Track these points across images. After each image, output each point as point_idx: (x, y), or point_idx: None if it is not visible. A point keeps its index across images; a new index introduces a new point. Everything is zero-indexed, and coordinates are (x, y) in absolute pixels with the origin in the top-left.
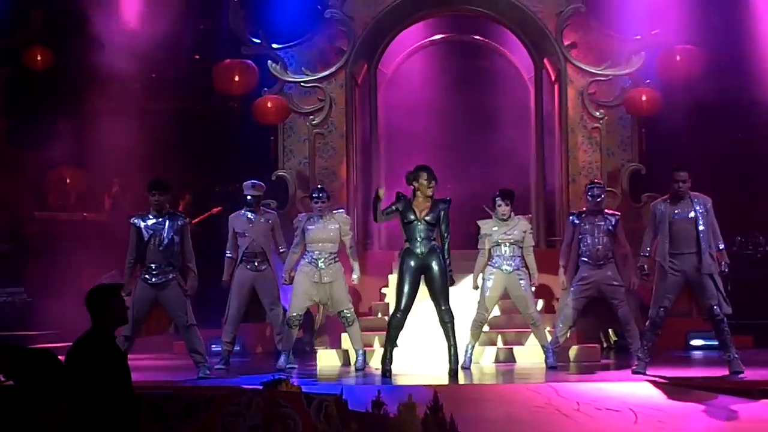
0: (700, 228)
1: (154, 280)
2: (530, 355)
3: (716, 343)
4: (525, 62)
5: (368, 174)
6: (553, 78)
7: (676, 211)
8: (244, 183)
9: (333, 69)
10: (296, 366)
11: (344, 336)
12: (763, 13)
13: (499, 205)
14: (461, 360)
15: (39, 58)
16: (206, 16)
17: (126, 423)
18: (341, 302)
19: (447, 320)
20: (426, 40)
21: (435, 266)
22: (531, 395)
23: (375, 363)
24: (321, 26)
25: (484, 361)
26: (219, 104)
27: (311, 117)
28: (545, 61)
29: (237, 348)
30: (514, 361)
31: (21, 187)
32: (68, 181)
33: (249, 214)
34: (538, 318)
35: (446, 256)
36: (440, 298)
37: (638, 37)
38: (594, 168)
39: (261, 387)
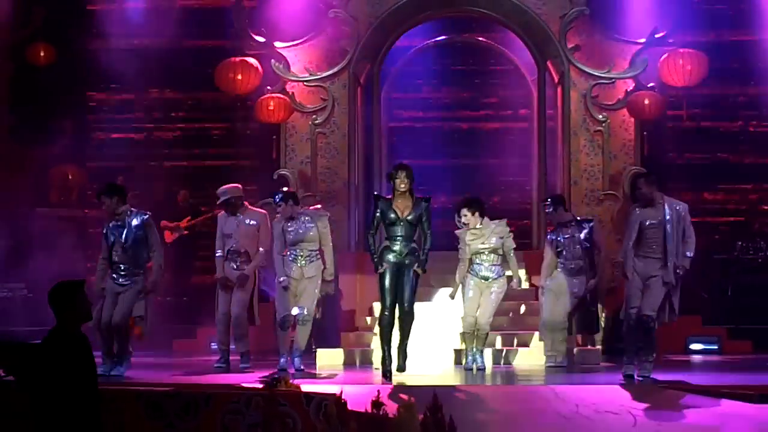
0: (668, 233)
1: (121, 281)
2: (532, 357)
3: (715, 347)
4: (528, 64)
5: (370, 174)
6: (556, 80)
7: (647, 216)
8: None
9: (336, 69)
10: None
11: (343, 336)
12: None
13: (465, 215)
14: (463, 362)
15: (42, 54)
16: (210, 14)
17: (88, 420)
18: (306, 300)
19: (406, 321)
20: (429, 41)
21: (409, 269)
22: (530, 397)
23: (376, 362)
24: (325, 26)
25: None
26: (222, 102)
27: (314, 116)
28: (548, 63)
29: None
30: (511, 364)
31: (23, 182)
32: (70, 177)
33: (234, 216)
34: (486, 330)
35: (424, 253)
36: (404, 298)
37: (642, 40)
38: (596, 171)
39: (261, 386)
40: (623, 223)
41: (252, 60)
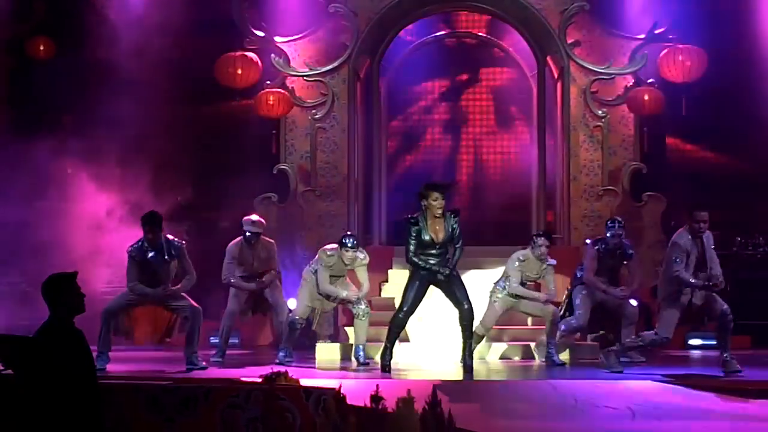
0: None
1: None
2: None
3: (714, 342)
4: (528, 59)
5: (370, 169)
6: (555, 76)
7: (696, 244)
8: (244, 218)
9: (336, 63)
10: (293, 360)
11: (342, 330)
12: (767, 13)
13: (542, 245)
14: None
15: (42, 48)
16: (210, 8)
17: (86, 413)
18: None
19: (467, 319)
20: (429, 36)
21: (446, 279)
22: (529, 391)
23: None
24: (325, 20)
25: (491, 357)
26: (222, 96)
27: (313, 111)
28: (548, 58)
29: (235, 341)
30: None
31: (22, 177)
32: (69, 171)
33: (247, 247)
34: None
35: (454, 263)
36: (461, 300)
37: (641, 36)
38: (595, 166)
39: (260, 380)
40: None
41: (252, 54)
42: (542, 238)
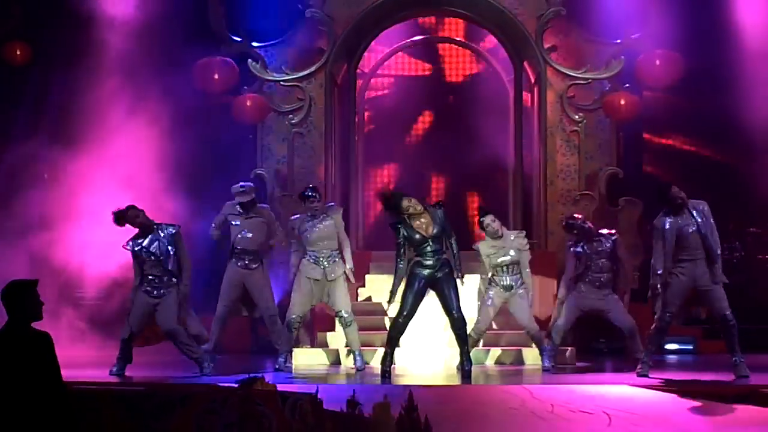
0: (704, 234)
1: (155, 293)
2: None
3: (690, 347)
4: (505, 64)
5: (346, 174)
6: (532, 80)
7: (684, 222)
8: (232, 187)
9: (313, 68)
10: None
11: (320, 335)
12: (742, 19)
13: (489, 224)
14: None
15: (18, 52)
16: (187, 13)
17: (48, 418)
18: (340, 303)
19: (459, 327)
20: (406, 41)
21: (444, 278)
22: (506, 396)
23: (350, 362)
24: (301, 25)
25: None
26: (199, 101)
27: (290, 116)
28: (525, 63)
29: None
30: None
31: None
32: (46, 176)
33: (244, 215)
34: (535, 328)
35: (455, 259)
36: (452, 307)
37: (618, 41)
38: (572, 171)
39: (236, 385)
40: (599, 224)
41: (229, 59)
42: (487, 217)
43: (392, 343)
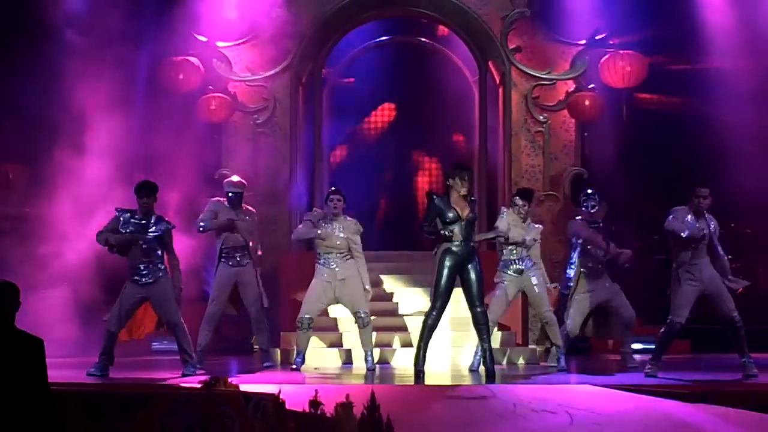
0: (715, 242)
1: (143, 280)
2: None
3: (654, 347)
4: (470, 65)
5: (311, 175)
6: (497, 81)
7: (697, 225)
8: (225, 180)
9: (278, 69)
10: (300, 362)
11: (283, 335)
12: (708, 18)
13: (519, 203)
14: (470, 360)
15: None
16: (152, 13)
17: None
18: (357, 302)
19: (482, 322)
20: (372, 42)
21: (472, 267)
22: (469, 396)
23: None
24: (267, 25)
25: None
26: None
27: (255, 116)
28: (490, 64)
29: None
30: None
31: None
32: (10, 176)
33: (230, 209)
34: (552, 317)
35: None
36: (476, 300)
37: (582, 42)
38: (537, 172)
39: (199, 386)
40: (563, 224)
41: (194, 59)
42: (518, 198)
43: (426, 340)
